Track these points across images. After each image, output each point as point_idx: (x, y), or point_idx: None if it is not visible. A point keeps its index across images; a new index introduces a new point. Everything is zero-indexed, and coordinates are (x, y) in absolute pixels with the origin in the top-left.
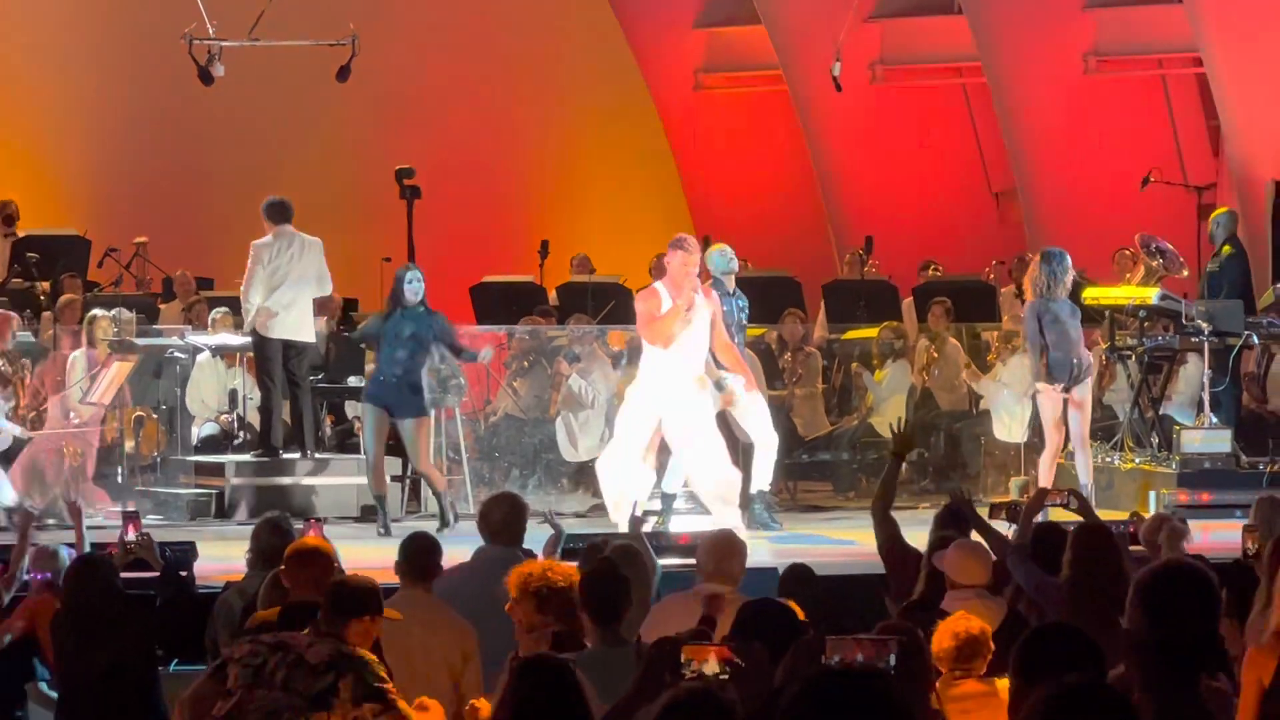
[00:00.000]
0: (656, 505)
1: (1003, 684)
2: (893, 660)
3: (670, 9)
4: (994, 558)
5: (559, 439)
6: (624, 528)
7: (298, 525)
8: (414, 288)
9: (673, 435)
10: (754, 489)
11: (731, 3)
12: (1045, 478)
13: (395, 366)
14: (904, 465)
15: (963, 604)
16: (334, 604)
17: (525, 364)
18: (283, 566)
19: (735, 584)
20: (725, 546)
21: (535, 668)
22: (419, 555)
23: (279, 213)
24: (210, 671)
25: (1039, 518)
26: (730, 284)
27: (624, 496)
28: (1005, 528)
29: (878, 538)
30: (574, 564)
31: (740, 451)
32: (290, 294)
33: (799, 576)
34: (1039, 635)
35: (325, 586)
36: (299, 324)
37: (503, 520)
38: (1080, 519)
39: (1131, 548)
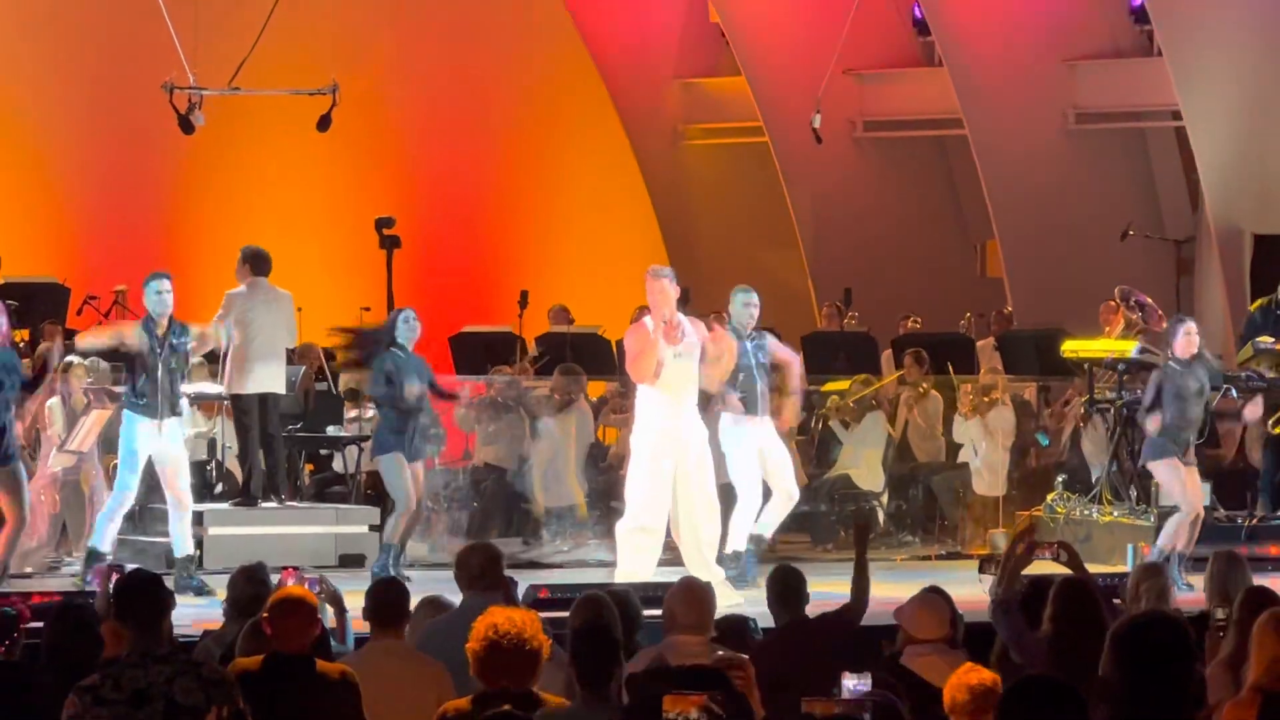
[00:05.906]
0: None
1: None
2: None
3: (650, 60)
4: (949, 611)
5: (533, 489)
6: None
7: (275, 574)
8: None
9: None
10: (760, 533)
11: (712, 55)
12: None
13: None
14: (883, 517)
15: (922, 658)
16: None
17: (500, 414)
18: (265, 614)
19: (707, 633)
20: (696, 595)
21: None
22: (388, 603)
23: (258, 265)
24: None
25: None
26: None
27: (639, 555)
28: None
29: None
30: (534, 614)
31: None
32: (265, 347)
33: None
34: (1023, 686)
35: (308, 637)
36: (273, 376)
37: (480, 567)
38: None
39: (1115, 601)
